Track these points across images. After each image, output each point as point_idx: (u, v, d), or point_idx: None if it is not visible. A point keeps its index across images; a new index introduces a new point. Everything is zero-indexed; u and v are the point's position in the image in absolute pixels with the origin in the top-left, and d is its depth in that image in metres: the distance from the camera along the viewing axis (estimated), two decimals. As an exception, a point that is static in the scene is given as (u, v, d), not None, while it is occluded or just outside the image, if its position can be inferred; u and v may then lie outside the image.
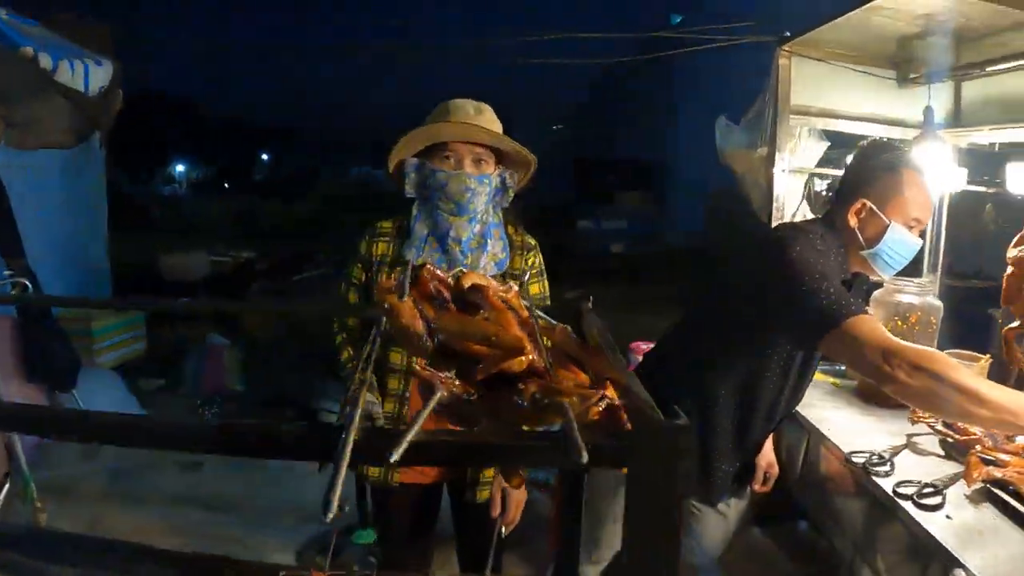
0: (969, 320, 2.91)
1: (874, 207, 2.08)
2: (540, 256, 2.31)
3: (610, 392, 1.01)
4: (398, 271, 2.14)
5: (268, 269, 9.07)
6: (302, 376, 5.99)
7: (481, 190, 2.11)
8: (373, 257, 2.20)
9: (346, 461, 0.64)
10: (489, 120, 2.15)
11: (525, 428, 0.85)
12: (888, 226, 2.07)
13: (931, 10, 2.33)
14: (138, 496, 4.08)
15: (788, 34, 2.77)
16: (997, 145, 2.79)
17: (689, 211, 15.08)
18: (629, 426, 0.97)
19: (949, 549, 1.71)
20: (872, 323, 1.81)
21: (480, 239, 2.16)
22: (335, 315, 2.35)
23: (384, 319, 1.18)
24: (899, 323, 2.65)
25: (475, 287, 1.05)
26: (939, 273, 3.12)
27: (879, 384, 1.84)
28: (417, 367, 0.84)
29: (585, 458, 0.69)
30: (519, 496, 2.27)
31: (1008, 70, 2.46)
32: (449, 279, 1.16)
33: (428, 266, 1.22)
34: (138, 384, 5.72)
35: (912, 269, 3.15)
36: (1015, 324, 2.19)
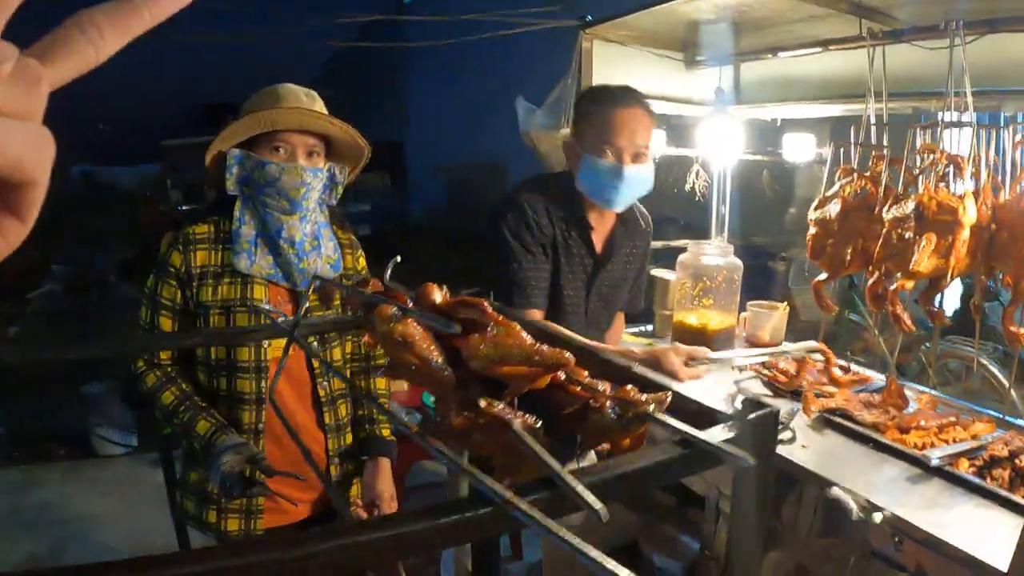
0: (754, 273, 3.23)
1: (573, 144, 2.31)
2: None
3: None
4: (271, 291, 1.94)
5: (-3, 287, 7.95)
6: (66, 401, 5.41)
7: (315, 184, 1.94)
8: (192, 270, 1.92)
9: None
10: (321, 108, 1.97)
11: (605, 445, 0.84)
12: (581, 158, 2.28)
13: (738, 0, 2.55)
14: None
15: (590, 18, 2.91)
16: (780, 120, 3.14)
17: (433, 188, 15.42)
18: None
19: (819, 473, 1.95)
20: (531, 317, 2.03)
21: (313, 240, 2.00)
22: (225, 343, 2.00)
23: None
24: (707, 282, 2.89)
25: (465, 303, 1.00)
26: (726, 234, 3.46)
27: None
28: (483, 404, 0.79)
29: (752, 459, 0.71)
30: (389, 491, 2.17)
31: (795, 56, 2.76)
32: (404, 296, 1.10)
33: (375, 281, 1.15)
34: None
35: (701, 232, 3.49)
36: (823, 276, 2.47)
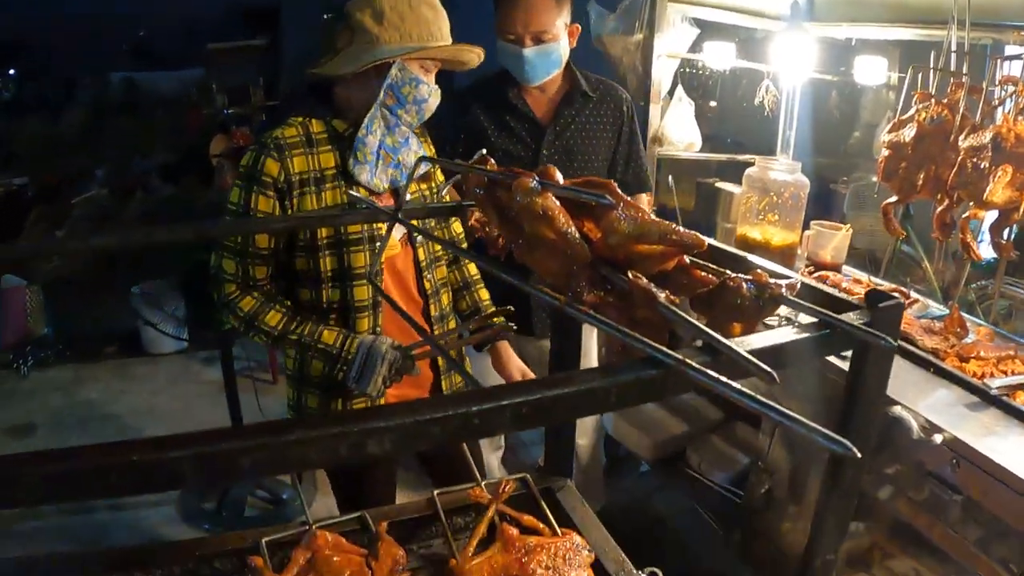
0: (813, 194, 3.20)
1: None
2: None
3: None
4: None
5: (42, 194, 8.03)
6: (116, 302, 5.44)
7: None
8: (291, 178, 1.80)
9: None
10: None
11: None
12: (497, 44, 2.48)
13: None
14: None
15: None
16: (855, 40, 3.06)
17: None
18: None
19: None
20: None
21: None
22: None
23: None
24: (774, 198, 2.89)
25: (592, 182, 0.99)
26: (791, 152, 3.42)
27: None
28: (631, 276, 0.80)
29: (894, 342, 0.73)
30: (530, 374, 2.22)
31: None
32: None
33: (492, 160, 1.14)
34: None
35: (767, 148, 3.45)
36: (892, 199, 2.46)
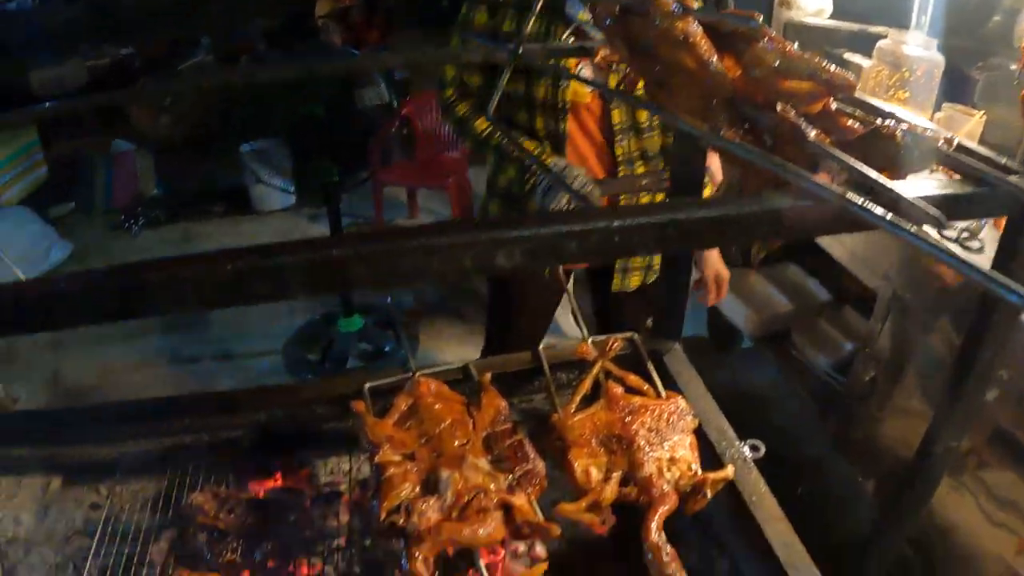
0: (947, 77, 2.97)
1: None
2: None
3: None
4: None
5: (149, 63, 8.16)
6: (217, 164, 5.60)
7: None
8: None
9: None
10: None
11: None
12: None
13: None
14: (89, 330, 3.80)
15: None
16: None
17: None
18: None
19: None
20: None
21: None
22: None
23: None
24: (906, 74, 2.68)
25: (736, 14, 0.91)
26: (926, 27, 3.13)
27: None
28: (780, 108, 0.73)
29: None
30: (725, 274, 2.20)
31: None
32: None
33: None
34: (49, 212, 5.19)
35: (900, 22, 3.17)
36: (1032, 90, 2.24)
